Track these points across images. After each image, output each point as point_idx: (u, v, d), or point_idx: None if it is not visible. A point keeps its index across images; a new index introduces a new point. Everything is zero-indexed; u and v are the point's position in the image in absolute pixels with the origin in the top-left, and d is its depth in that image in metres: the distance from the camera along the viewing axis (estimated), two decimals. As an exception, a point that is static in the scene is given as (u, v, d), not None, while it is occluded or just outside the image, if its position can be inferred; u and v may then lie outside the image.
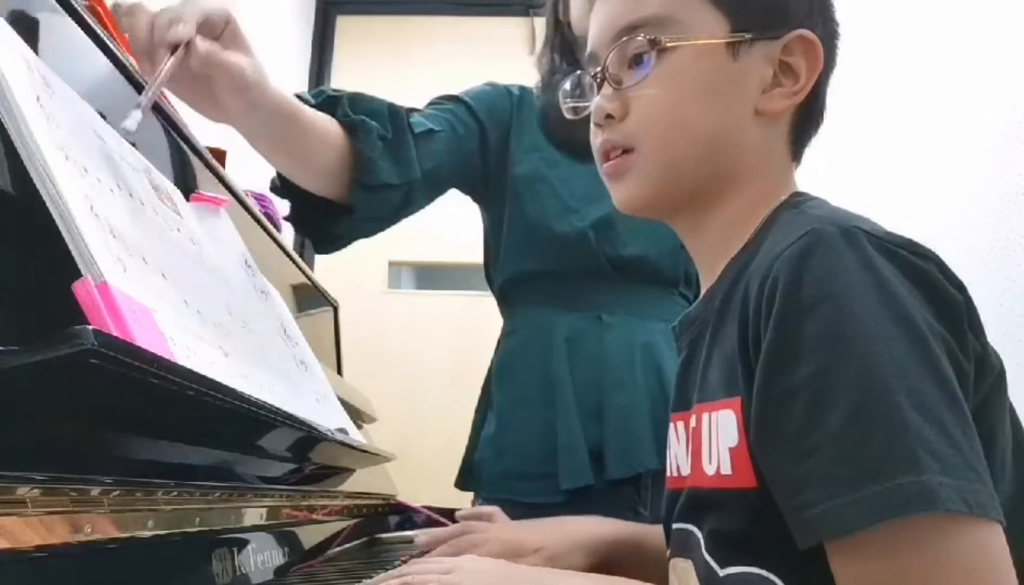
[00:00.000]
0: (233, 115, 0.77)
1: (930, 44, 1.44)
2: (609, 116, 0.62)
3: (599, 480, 0.99)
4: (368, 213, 0.93)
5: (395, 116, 0.95)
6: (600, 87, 0.63)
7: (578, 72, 0.67)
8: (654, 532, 0.80)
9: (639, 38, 0.59)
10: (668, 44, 0.58)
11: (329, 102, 0.90)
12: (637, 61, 0.60)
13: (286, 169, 0.89)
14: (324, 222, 0.95)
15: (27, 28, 0.58)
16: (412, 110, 1.01)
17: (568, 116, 0.67)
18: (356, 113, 0.90)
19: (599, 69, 0.62)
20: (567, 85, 0.67)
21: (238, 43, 0.72)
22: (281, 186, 0.93)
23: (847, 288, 0.47)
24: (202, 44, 0.65)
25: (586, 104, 0.65)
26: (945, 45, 1.39)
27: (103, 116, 0.64)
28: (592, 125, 0.64)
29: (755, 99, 0.59)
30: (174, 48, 0.63)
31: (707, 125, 0.59)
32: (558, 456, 1.00)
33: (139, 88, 0.70)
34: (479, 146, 1.09)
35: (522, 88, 1.15)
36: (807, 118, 0.63)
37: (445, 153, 1.02)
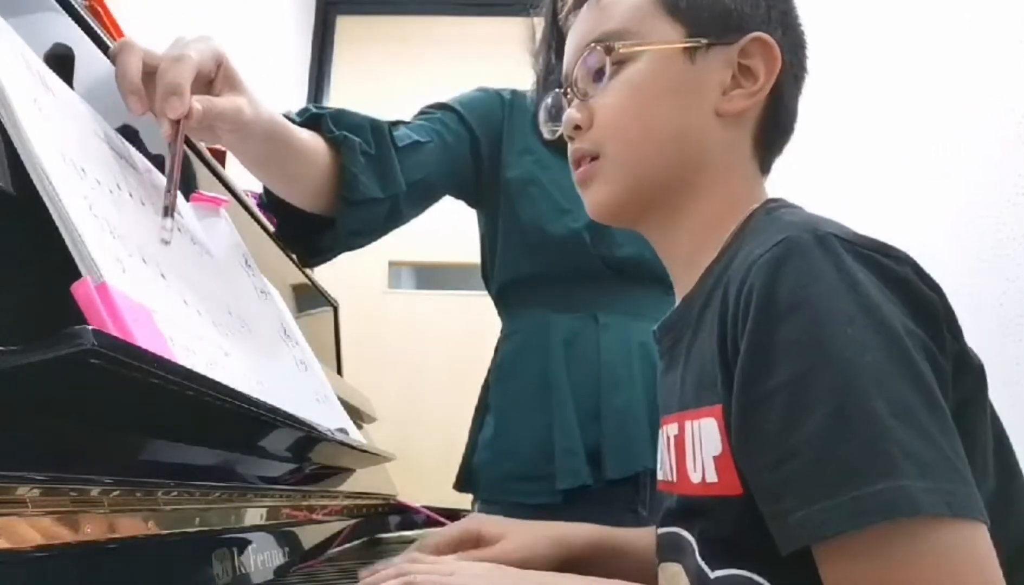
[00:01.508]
0: (227, 144, 0.79)
1: (928, 46, 1.44)
2: (577, 127, 0.64)
3: (597, 480, 0.99)
4: (352, 227, 0.94)
5: (377, 131, 0.95)
6: (571, 102, 0.65)
7: (555, 91, 0.69)
8: (636, 536, 0.79)
9: (597, 49, 0.62)
10: (622, 51, 0.61)
11: (313, 119, 0.91)
12: (599, 73, 0.63)
13: (276, 187, 0.90)
14: (311, 235, 0.95)
15: (27, 28, 0.58)
16: (398, 123, 1.02)
17: (547, 137, 0.70)
18: (339, 129, 0.91)
19: (569, 85, 0.65)
20: (547, 107, 0.70)
21: (231, 83, 0.72)
22: (268, 201, 0.94)
23: (822, 294, 0.47)
24: (197, 105, 0.65)
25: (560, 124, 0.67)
26: (944, 47, 1.39)
27: (105, 117, 0.64)
28: (565, 137, 0.67)
29: (715, 101, 0.61)
30: (176, 121, 0.64)
31: (667, 126, 0.61)
32: (555, 457, 1.00)
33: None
34: (470, 152, 1.09)
35: (513, 92, 1.15)
36: (773, 125, 0.64)
37: (432, 163, 1.02)
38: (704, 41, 0.61)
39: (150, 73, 0.65)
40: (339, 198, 0.91)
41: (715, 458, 0.52)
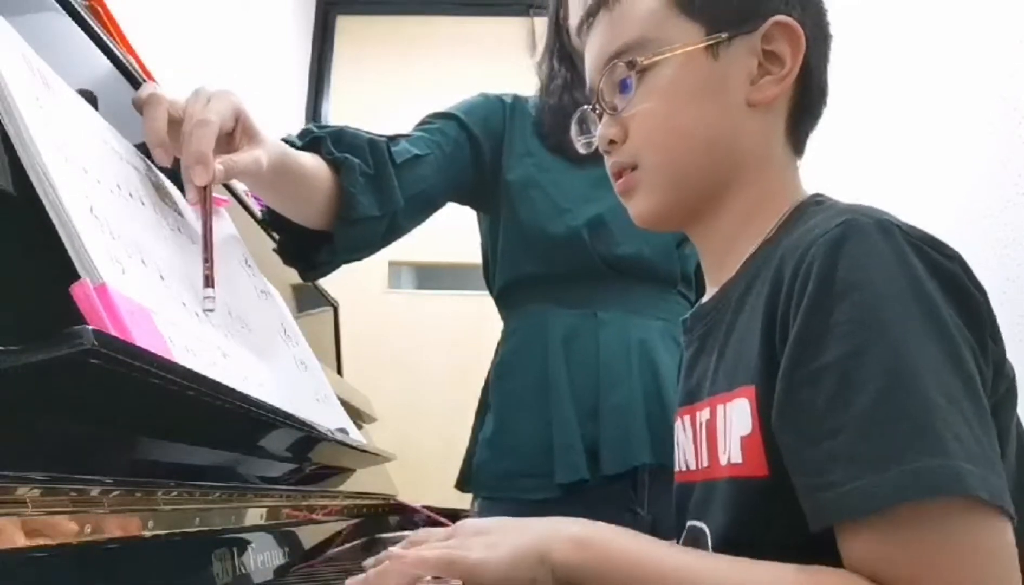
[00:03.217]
0: (238, 179, 0.82)
1: (930, 44, 1.44)
2: (612, 141, 0.64)
3: (594, 476, 1.00)
4: (350, 244, 0.95)
5: (375, 149, 0.96)
6: (602, 117, 0.65)
7: (582, 107, 0.69)
8: None
9: (620, 64, 0.62)
10: (645, 63, 0.61)
11: (314, 142, 0.92)
12: (625, 84, 0.63)
13: (279, 207, 0.91)
14: (309, 250, 0.96)
15: (27, 28, 0.58)
16: (397, 137, 1.02)
17: (583, 151, 0.70)
18: (339, 150, 0.92)
19: (597, 100, 0.65)
20: (575, 123, 0.70)
21: (249, 134, 0.74)
22: (270, 219, 0.94)
23: (880, 277, 0.47)
24: (219, 166, 0.68)
25: (594, 137, 0.67)
26: (945, 45, 1.39)
27: (105, 116, 0.64)
28: (602, 152, 0.67)
29: (745, 92, 0.60)
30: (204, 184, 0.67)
31: (701, 127, 0.61)
32: (553, 453, 1.01)
33: (138, 86, 0.70)
34: (471, 158, 1.10)
35: (515, 96, 1.16)
36: (805, 103, 0.63)
37: (431, 176, 1.03)
38: (724, 35, 0.60)
39: (173, 122, 0.67)
40: (337, 217, 0.92)
41: (743, 438, 0.53)
